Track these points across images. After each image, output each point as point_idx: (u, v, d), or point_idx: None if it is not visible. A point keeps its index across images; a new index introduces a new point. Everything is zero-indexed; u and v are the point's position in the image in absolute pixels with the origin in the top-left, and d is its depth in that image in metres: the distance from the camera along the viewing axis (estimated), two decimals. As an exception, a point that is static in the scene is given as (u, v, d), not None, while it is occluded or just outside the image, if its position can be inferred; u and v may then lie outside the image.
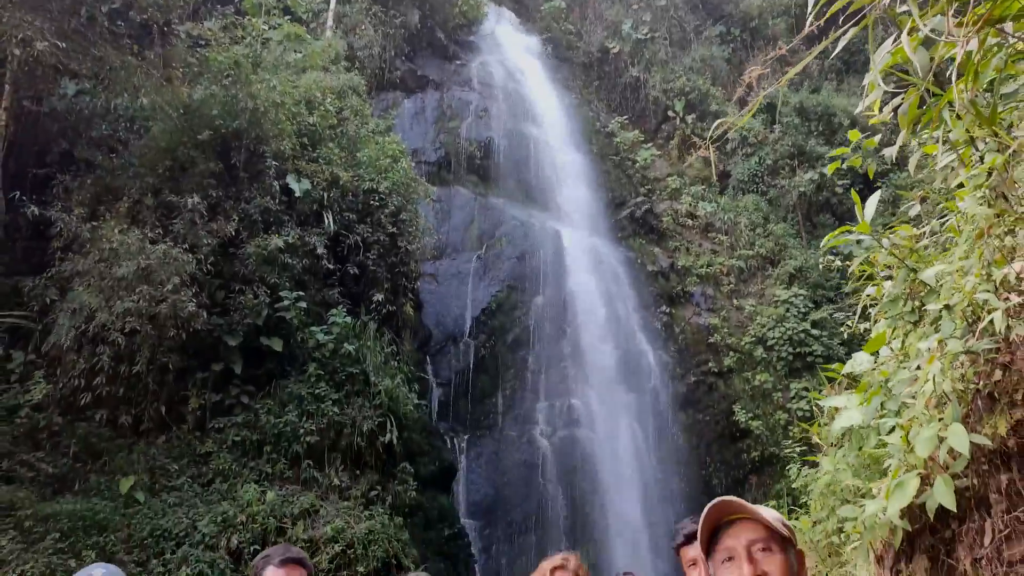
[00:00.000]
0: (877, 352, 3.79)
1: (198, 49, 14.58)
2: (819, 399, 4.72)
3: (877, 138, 3.89)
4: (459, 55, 27.36)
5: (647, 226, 24.71)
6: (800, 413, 18.38)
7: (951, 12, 2.30)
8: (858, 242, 3.73)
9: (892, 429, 3.19)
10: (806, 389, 18.51)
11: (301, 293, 13.17)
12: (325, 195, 14.75)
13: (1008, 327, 2.52)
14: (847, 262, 4.17)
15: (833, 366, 4.83)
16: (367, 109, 18.57)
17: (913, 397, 2.98)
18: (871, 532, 3.03)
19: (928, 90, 2.78)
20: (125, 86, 12.96)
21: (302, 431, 11.93)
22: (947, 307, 2.84)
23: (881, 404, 3.46)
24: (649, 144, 27.65)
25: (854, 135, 3.99)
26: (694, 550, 3.57)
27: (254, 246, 12.76)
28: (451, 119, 24.54)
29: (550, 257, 21.73)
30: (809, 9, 2.81)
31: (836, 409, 4.20)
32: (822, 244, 4.28)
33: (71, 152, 13.27)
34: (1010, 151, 2.69)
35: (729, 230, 24.42)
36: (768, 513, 1.88)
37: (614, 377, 20.29)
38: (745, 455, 19.34)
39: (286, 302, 12.75)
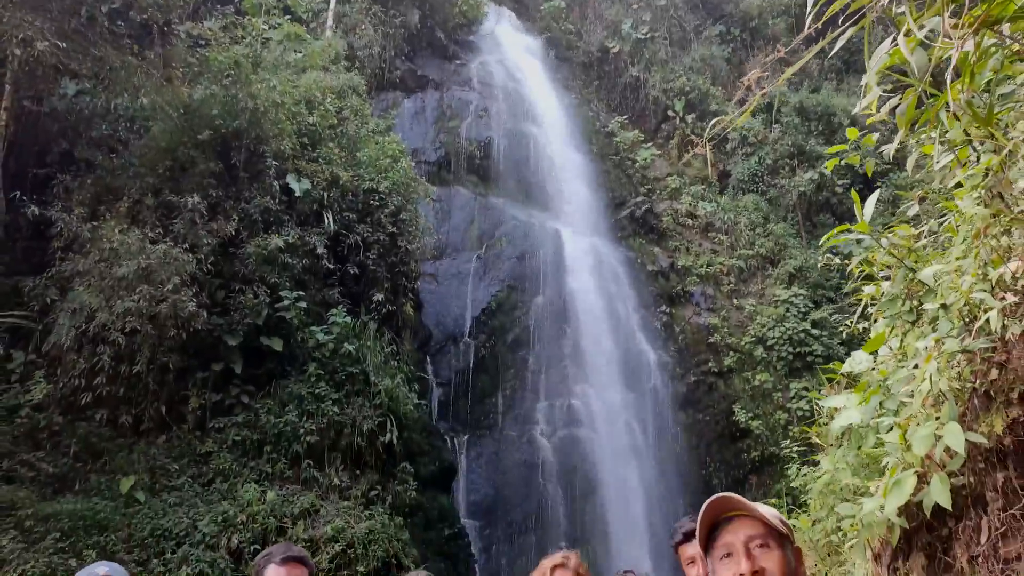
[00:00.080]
0: (876, 351, 3.80)
1: (198, 49, 14.59)
2: (819, 399, 4.73)
3: (876, 137, 3.90)
4: (459, 55, 27.37)
5: (647, 226, 24.72)
6: (800, 413, 18.40)
7: (947, 13, 2.31)
8: (858, 242, 3.74)
9: (890, 428, 3.21)
10: (806, 389, 18.52)
11: (301, 293, 13.19)
12: (325, 195, 14.77)
13: (1004, 326, 2.53)
14: (847, 261, 4.18)
15: (832, 365, 4.84)
16: (367, 109, 18.59)
17: (910, 396, 3.00)
18: (868, 530, 3.04)
19: (926, 90, 2.79)
20: (125, 86, 12.98)
21: (302, 431, 11.94)
22: (944, 306, 2.86)
23: (880, 403, 3.47)
24: (649, 144, 27.67)
25: (852, 133, 4.00)
26: (692, 548, 3.59)
27: (254, 246, 12.78)
28: (451, 119, 24.55)
29: (550, 257, 21.74)
30: (808, 9, 2.83)
31: (836, 409, 4.21)
32: (821, 243, 4.30)
33: (71, 152, 13.28)
34: (1005, 152, 2.71)
35: (729, 230, 24.43)
36: (766, 510, 1.90)
37: (614, 377, 20.30)
38: (745, 455, 19.35)
39: (286, 302, 12.76)
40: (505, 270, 21.32)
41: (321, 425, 12.07)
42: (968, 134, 3.12)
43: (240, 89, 13.36)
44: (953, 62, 2.17)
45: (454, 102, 25.05)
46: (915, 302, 3.44)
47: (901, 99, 2.96)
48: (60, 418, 10.82)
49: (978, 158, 3.04)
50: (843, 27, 2.78)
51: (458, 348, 19.79)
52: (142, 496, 10.55)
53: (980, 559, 2.59)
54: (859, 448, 4.00)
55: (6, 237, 12.21)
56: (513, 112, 25.30)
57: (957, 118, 3.04)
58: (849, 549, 4.12)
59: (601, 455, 18.63)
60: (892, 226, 3.77)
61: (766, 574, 1.78)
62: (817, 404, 5.77)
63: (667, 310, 22.26)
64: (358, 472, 12.30)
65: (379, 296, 15.12)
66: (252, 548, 10.15)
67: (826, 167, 4.42)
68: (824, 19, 2.80)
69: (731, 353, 20.91)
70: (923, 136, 3.66)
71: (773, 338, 20.60)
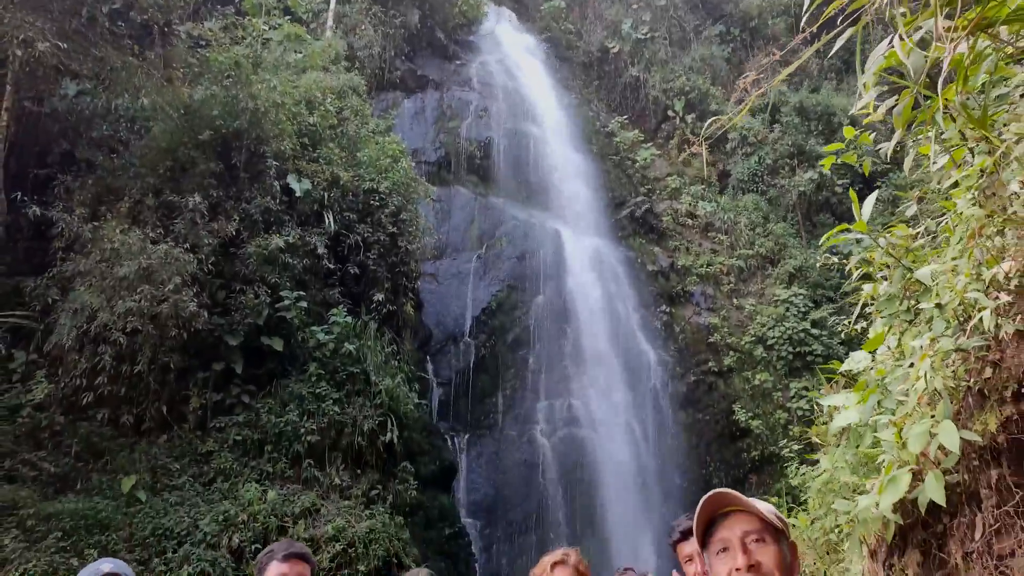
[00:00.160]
0: (875, 351, 3.83)
1: (199, 49, 14.62)
2: (819, 398, 4.76)
3: (876, 137, 3.92)
4: (459, 55, 27.39)
5: (647, 226, 24.74)
6: (800, 412, 18.43)
7: (942, 16, 2.34)
8: (857, 241, 3.77)
9: (886, 426, 3.24)
10: (806, 388, 18.55)
11: (302, 293, 13.22)
12: (325, 195, 14.80)
13: (998, 325, 2.56)
14: (846, 261, 4.20)
15: (831, 364, 4.86)
16: (367, 109, 18.62)
17: (906, 394, 3.03)
18: (864, 526, 3.07)
19: (922, 92, 2.82)
20: (126, 86, 13.02)
21: (303, 430, 11.97)
22: (939, 306, 2.88)
23: (878, 402, 3.50)
24: (649, 144, 27.70)
25: (849, 132, 4.03)
26: (690, 546, 3.63)
27: (255, 246, 12.80)
28: (451, 119, 24.58)
29: (550, 257, 21.77)
30: (805, 9, 2.85)
31: (835, 407, 4.24)
32: (820, 243, 4.32)
33: (72, 152, 13.31)
34: (999, 153, 2.74)
35: (729, 230, 24.46)
36: (762, 505, 1.92)
37: (614, 376, 20.32)
38: (745, 454, 19.38)
39: (287, 302, 12.79)
40: (505, 270, 21.35)
41: (322, 425, 12.10)
42: (964, 135, 3.15)
43: (240, 89, 13.39)
44: (946, 65, 2.20)
45: (454, 102, 25.08)
46: (912, 301, 3.47)
47: (898, 100, 2.98)
48: (61, 418, 10.84)
49: (973, 159, 3.07)
50: (841, 27, 2.81)
51: (458, 348, 19.82)
52: (143, 495, 10.57)
53: (974, 555, 2.62)
54: (857, 447, 4.03)
55: (7, 237, 12.23)
56: (513, 112, 25.32)
57: (953, 119, 3.07)
58: (847, 547, 4.15)
59: (601, 455, 18.66)
60: (891, 226, 3.80)
61: (762, 568, 1.81)
62: (817, 403, 5.79)
63: (667, 310, 22.28)
64: (359, 471, 12.32)
65: (379, 296, 15.15)
66: (253, 547, 10.18)
67: (822, 165, 4.44)
68: (823, 19, 2.83)
69: (731, 353, 20.94)
70: (920, 136, 3.69)
71: (773, 338, 20.63)
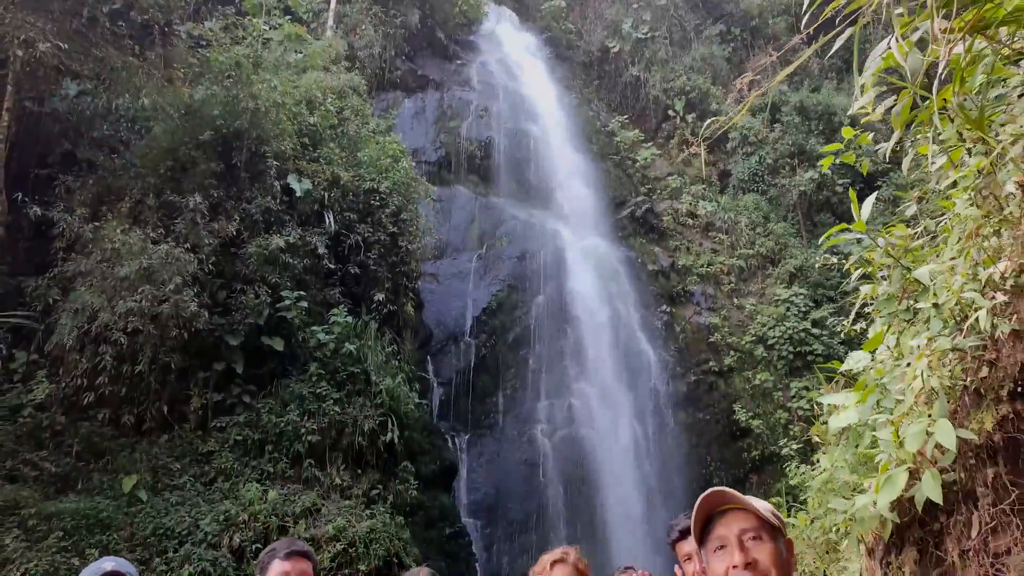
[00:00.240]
0: (875, 350, 3.84)
1: (199, 49, 14.64)
2: (819, 398, 4.78)
3: (876, 137, 3.94)
4: (459, 55, 27.40)
5: (647, 225, 24.75)
6: (800, 412, 18.44)
7: (939, 17, 2.35)
8: (857, 241, 3.79)
9: (884, 425, 3.25)
10: (806, 388, 18.56)
11: (302, 293, 13.23)
12: (326, 195, 14.81)
13: (994, 325, 2.57)
14: (846, 261, 4.22)
15: (831, 364, 4.88)
16: (367, 109, 18.64)
17: (904, 393, 3.04)
18: (862, 525, 3.09)
19: (920, 93, 2.83)
20: (126, 86, 13.04)
21: (303, 430, 11.98)
22: (936, 305, 2.90)
23: (877, 402, 3.52)
24: (649, 143, 27.70)
25: (848, 132, 4.04)
26: (689, 545, 3.65)
27: (255, 246, 12.82)
28: (451, 119, 24.59)
29: (550, 256, 21.77)
30: (804, 8, 2.87)
31: (835, 406, 4.25)
32: (821, 243, 4.33)
33: (73, 152, 13.33)
34: (995, 153, 2.75)
35: (729, 229, 24.46)
36: (759, 503, 1.94)
37: (615, 376, 20.33)
38: (745, 454, 19.39)
39: (287, 302, 12.80)
40: (505, 270, 21.35)
41: (322, 424, 12.11)
42: (962, 136, 3.17)
43: (241, 89, 13.40)
44: (942, 66, 2.21)
45: (454, 102, 25.09)
46: (911, 301, 3.48)
47: (896, 100, 3.00)
48: (62, 418, 10.86)
49: (971, 159, 3.08)
50: (840, 27, 2.82)
51: (459, 347, 19.83)
52: (144, 495, 10.59)
53: (971, 553, 2.64)
54: (856, 446, 4.04)
55: (8, 238, 12.26)
56: (513, 112, 25.33)
57: (951, 120, 3.09)
58: (845, 545, 4.16)
59: (601, 454, 18.67)
60: (891, 226, 3.81)
61: (758, 565, 1.83)
62: (817, 403, 5.81)
63: (667, 309, 22.29)
64: (359, 471, 12.34)
65: (380, 296, 15.16)
66: (254, 547, 10.20)
67: (821, 165, 4.45)
68: (823, 19, 2.85)
69: (731, 352, 20.95)
70: (919, 136, 3.70)
71: (773, 337, 20.64)
